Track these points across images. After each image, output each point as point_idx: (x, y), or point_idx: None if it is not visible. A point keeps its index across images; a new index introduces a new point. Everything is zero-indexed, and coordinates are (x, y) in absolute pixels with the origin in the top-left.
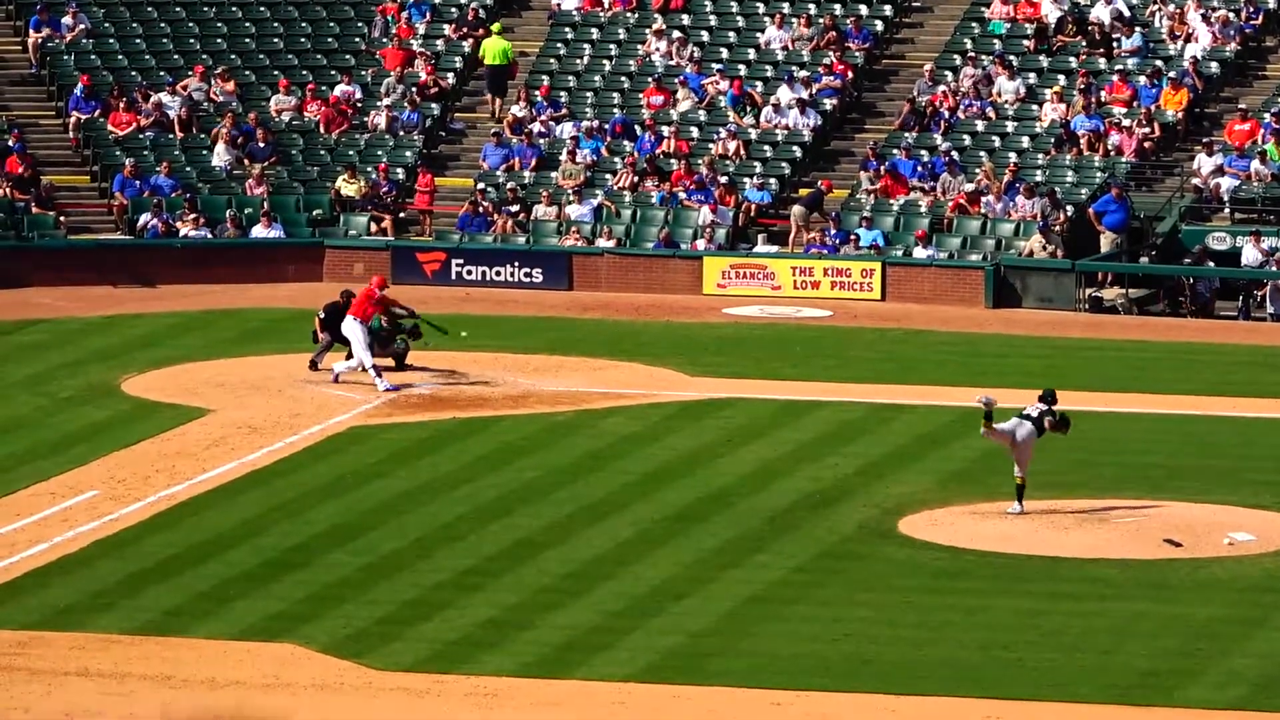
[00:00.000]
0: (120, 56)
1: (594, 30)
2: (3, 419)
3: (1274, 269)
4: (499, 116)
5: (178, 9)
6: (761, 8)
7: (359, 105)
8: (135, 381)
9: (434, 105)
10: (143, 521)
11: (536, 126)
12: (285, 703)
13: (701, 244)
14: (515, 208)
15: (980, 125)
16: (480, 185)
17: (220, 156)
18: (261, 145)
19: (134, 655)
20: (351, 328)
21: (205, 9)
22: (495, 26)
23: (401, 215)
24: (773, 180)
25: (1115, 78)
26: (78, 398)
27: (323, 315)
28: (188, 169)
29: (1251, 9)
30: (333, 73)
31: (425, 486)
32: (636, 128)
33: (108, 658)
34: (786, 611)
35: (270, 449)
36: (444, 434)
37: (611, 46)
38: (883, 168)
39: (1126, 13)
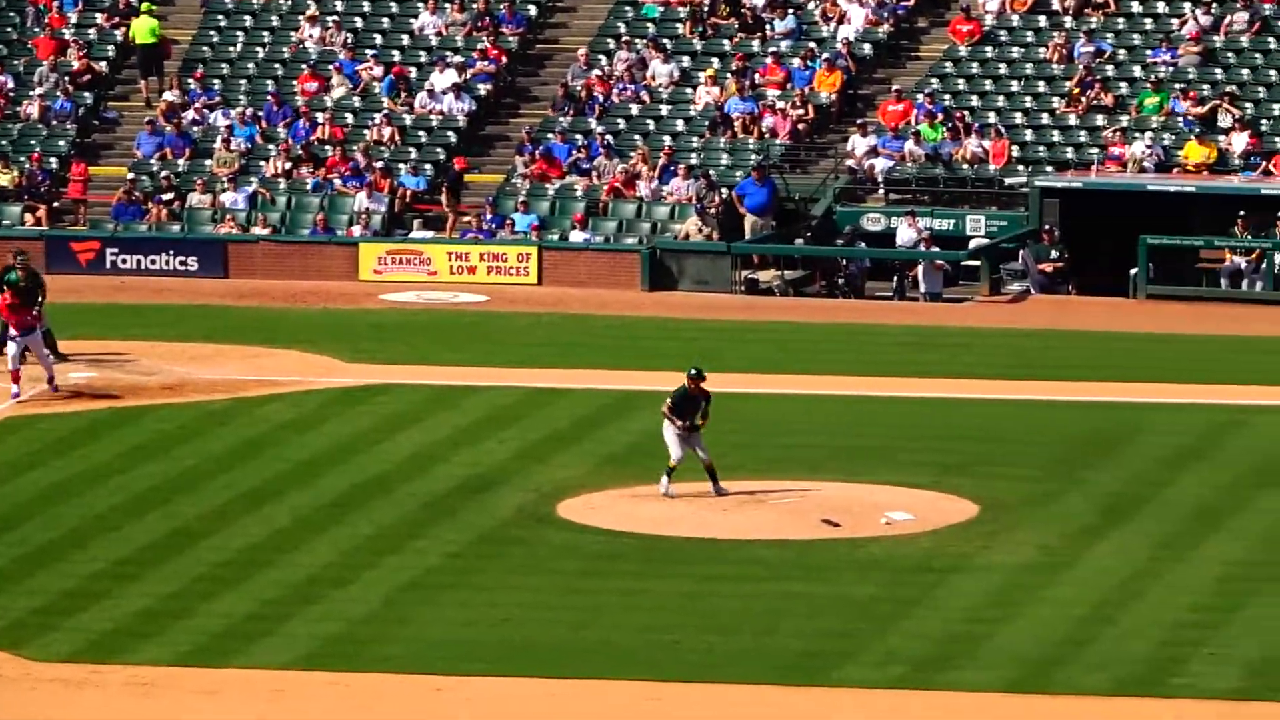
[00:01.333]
0: None
1: (247, 17)
2: None
3: (926, 249)
4: (153, 97)
5: None
6: None
7: (11, 95)
8: None
9: (87, 94)
10: None
11: (190, 114)
12: None
13: (357, 230)
14: (169, 196)
15: (635, 109)
16: (132, 174)
17: None
18: None
19: None
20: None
21: None
22: (144, 5)
23: (56, 205)
24: (428, 166)
25: (769, 60)
26: None
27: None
28: None
29: None
30: None
31: (80, 476)
32: (291, 114)
33: None
34: (445, 597)
35: None
36: (99, 423)
37: (265, 33)
38: (537, 152)
39: None
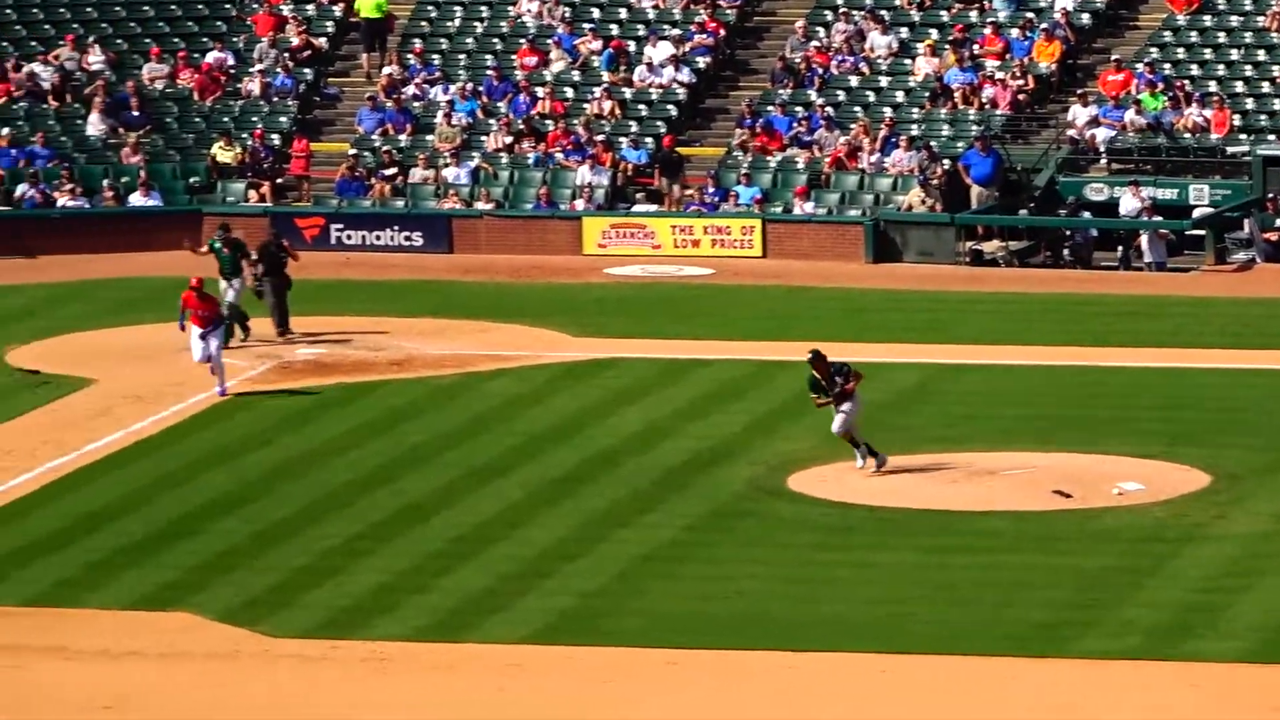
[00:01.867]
0: None
1: None
2: None
3: (1150, 218)
4: (374, 73)
5: None
6: None
7: (232, 72)
8: (18, 353)
9: (307, 70)
10: (31, 493)
11: (411, 89)
12: (182, 671)
13: (580, 204)
14: (392, 171)
15: (854, 80)
16: (354, 150)
17: (95, 125)
18: (136, 114)
19: (27, 627)
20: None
21: None
22: None
23: (279, 181)
24: (649, 139)
25: (987, 30)
26: None
27: (254, 255)
28: (63, 138)
29: None
30: (204, 40)
31: (311, 453)
32: (511, 89)
33: (1, 630)
34: (678, 570)
35: (156, 418)
36: (328, 400)
37: (483, 8)
38: (758, 125)
39: None
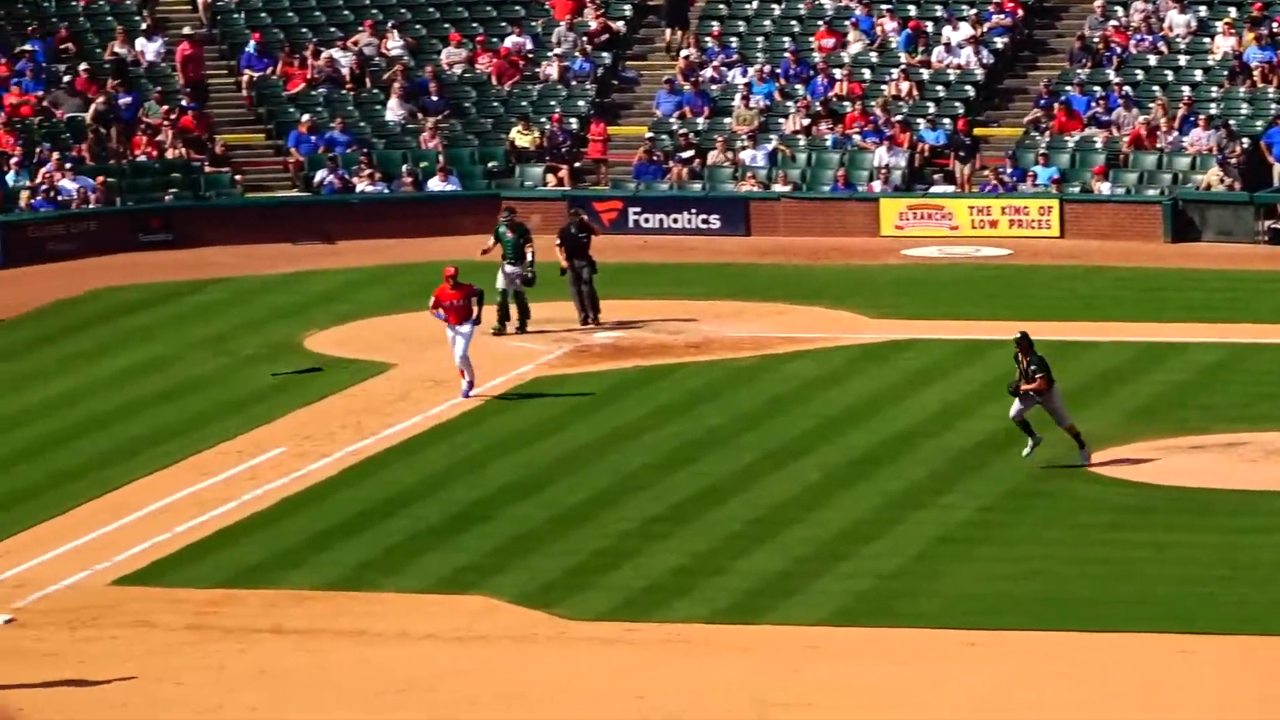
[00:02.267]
0: (290, 14)
1: None
2: (187, 378)
3: None
4: (674, 49)
5: None
6: None
7: (530, 56)
8: (317, 338)
9: (605, 54)
10: (330, 478)
11: (708, 72)
12: (479, 654)
13: (878, 186)
14: (689, 154)
15: (1153, 59)
16: (651, 134)
17: (394, 111)
18: (434, 98)
19: (326, 611)
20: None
21: None
22: None
23: (577, 165)
24: (946, 120)
25: None
26: (260, 355)
27: (559, 241)
28: (362, 124)
29: None
30: (503, 24)
31: (609, 436)
32: (809, 70)
33: (300, 614)
34: (975, 551)
35: (453, 402)
36: (626, 383)
37: None
38: (1056, 105)
39: None
